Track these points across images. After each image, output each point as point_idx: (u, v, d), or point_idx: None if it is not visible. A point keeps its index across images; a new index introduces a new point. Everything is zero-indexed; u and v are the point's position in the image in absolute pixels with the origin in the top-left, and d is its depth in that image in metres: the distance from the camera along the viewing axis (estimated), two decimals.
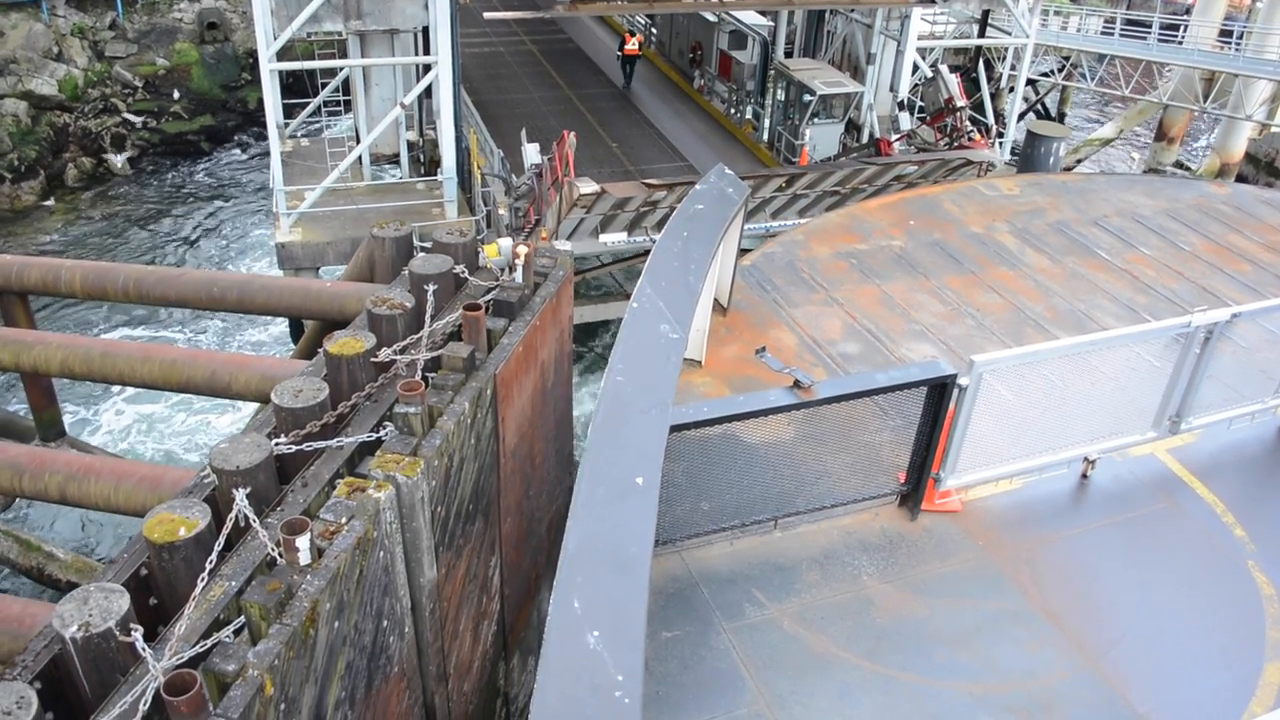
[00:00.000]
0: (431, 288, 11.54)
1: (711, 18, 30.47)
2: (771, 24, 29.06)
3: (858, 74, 25.90)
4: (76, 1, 34.22)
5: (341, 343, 10.65)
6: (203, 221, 31.65)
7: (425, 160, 23.66)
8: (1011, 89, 28.08)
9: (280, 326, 24.82)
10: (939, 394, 9.14)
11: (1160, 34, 31.36)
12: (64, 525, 19.25)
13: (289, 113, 23.45)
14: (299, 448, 9.56)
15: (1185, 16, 35.78)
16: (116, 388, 22.78)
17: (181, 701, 6.76)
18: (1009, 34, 27.83)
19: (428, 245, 12.96)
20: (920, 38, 25.04)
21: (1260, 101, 30.17)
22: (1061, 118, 38.87)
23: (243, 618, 7.94)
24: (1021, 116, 34.15)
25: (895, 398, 9.22)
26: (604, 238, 19.36)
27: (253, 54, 33.92)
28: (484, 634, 12.57)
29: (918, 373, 9.23)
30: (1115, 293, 14.57)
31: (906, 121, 23.82)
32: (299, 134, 25.13)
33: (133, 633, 7.25)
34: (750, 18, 29.70)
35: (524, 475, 12.98)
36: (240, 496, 8.39)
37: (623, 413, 7.87)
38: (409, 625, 10.15)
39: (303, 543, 8.08)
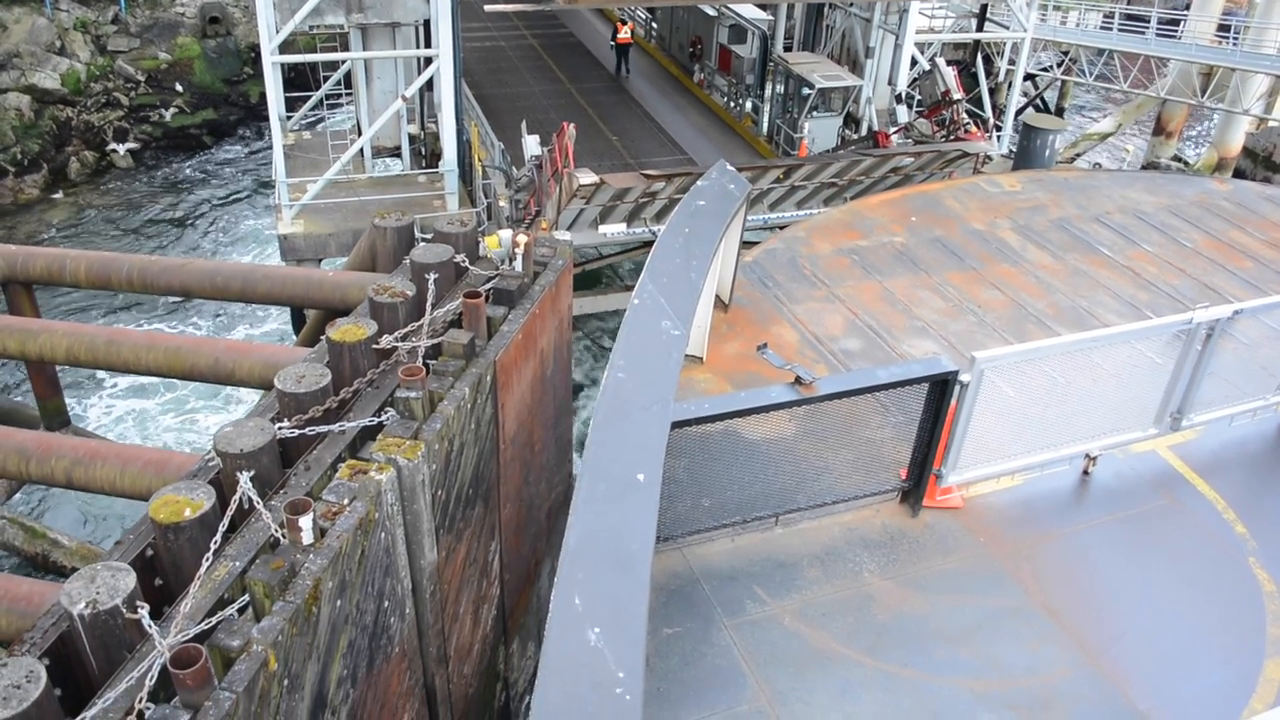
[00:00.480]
0: (432, 276, 11.68)
1: (711, 12, 30.63)
2: (771, 18, 29.19)
3: (856, 68, 26.03)
4: None
5: (344, 329, 10.82)
6: (205, 214, 31.82)
7: (427, 153, 23.80)
8: (1010, 83, 28.16)
9: (277, 325, 25.02)
10: (940, 390, 9.16)
11: (1159, 29, 31.47)
12: (68, 513, 19.43)
13: (291, 106, 23.60)
14: (302, 432, 9.72)
15: (1184, 12, 35.87)
16: (113, 384, 22.95)
17: (188, 675, 6.92)
18: (1007, 28, 27.93)
19: (429, 236, 13.12)
20: (918, 32, 25.16)
21: (1258, 96, 30.28)
22: (1060, 112, 38.98)
23: (247, 596, 8.10)
24: (1020, 111, 34.26)
25: (897, 394, 9.23)
26: (603, 228, 19.50)
27: (255, 48, 34.09)
28: (484, 618, 12.74)
29: (919, 369, 9.24)
30: (1117, 289, 14.58)
31: (904, 114, 23.97)
32: (301, 127, 25.27)
33: (139, 610, 7.40)
34: (750, 12, 29.87)
35: (523, 462, 13.14)
36: (244, 479, 8.56)
37: (624, 409, 7.89)
38: (410, 606, 10.31)
39: (305, 522, 8.24)
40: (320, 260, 20.39)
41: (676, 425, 8.06)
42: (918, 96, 25.09)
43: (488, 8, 21.44)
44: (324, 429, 9.88)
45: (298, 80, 28.26)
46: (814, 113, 24.50)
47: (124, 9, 35.31)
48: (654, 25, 36.68)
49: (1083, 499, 10.36)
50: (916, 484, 9.86)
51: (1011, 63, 27.46)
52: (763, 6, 29.88)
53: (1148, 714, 8.15)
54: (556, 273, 13.11)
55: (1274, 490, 10.63)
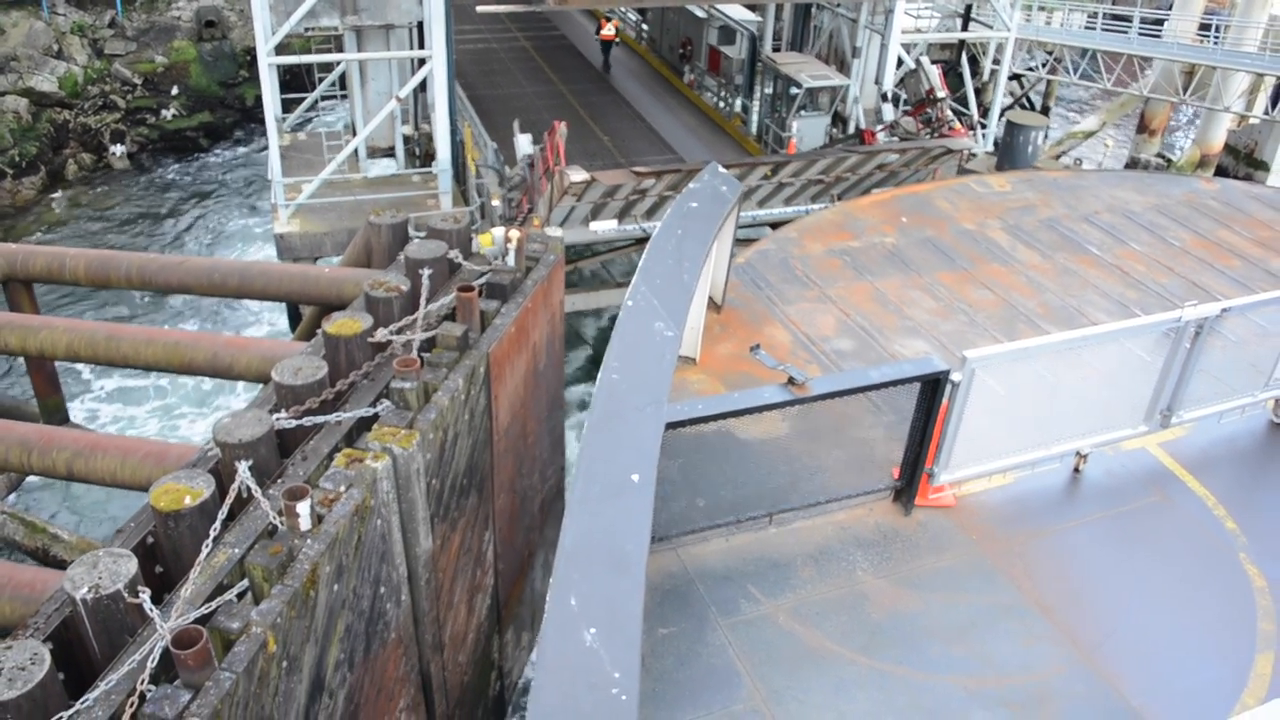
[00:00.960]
0: (426, 272, 11.94)
1: (701, 14, 30.95)
2: (759, 19, 29.51)
3: (844, 67, 26.37)
4: (76, 0, 34.59)
5: (340, 323, 11.09)
6: (202, 215, 32.05)
7: (421, 153, 24.04)
8: (995, 82, 28.50)
9: (272, 329, 25.24)
10: (932, 390, 9.22)
11: (1141, 28, 31.82)
12: (69, 509, 19.66)
13: (286, 107, 23.81)
14: (299, 423, 10.01)
15: (1168, 11, 36.24)
16: (99, 388, 23.09)
17: (188, 655, 7.18)
18: (991, 28, 28.28)
19: (423, 234, 13.39)
20: (904, 32, 25.47)
21: (1239, 93, 30.63)
22: (1046, 111, 39.30)
23: (246, 581, 8.38)
24: (1006, 110, 34.61)
25: (889, 394, 9.38)
26: (594, 226, 19.77)
27: (250, 51, 34.31)
28: (478, 607, 13.01)
29: (911, 369, 9.29)
30: (1106, 288, 14.66)
31: (890, 113, 24.31)
32: (296, 128, 25.53)
33: (140, 594, 7.65)
34: (739, 13, 30.20)
35: (517, 453, 13.41)
36: (243, 468, 8.81)
37: (618, 410, 7.93)
38: (405, 593, 10.58)
39: (303, 508, 8.52)
40: (316, 259, 20.64)
41: (670, 426, 8.11)
42: (903, 95, 25.43)
43: (480, 9, 21.72)
44: (321, 419, 10.16)
45: (293, 82, 28.50)
46: (802, 112, 24.85)
47: (121, 13, 35.53)
48: (644, 27, 36.99)
49: (1074, 496, 10.44)
50: (909, 483, 9.94)
51: (996, 62, 27.79)
52: (751, 7, 30.19)
53: (1140, 710, 8.19)
54: (548, 268, 13.39)
55: (1264, 486, 10.75)
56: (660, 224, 10.84)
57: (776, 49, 29.07)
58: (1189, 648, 8.81)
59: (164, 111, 35.66)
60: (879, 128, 23.87)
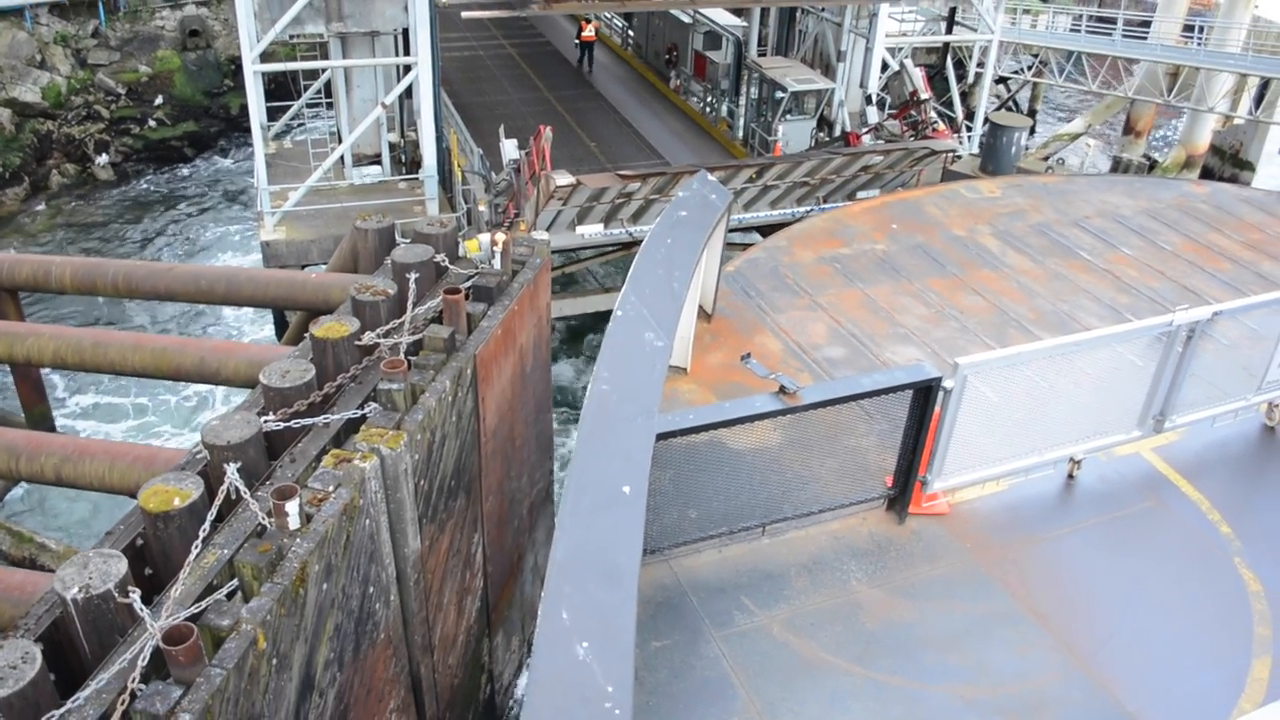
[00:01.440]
0: (413, 275, 11.95)
1: (686, 19, 31.07)
2: (745, 24, 29.62)
3: (829, 71, 26.50)
4: (59, 10, 34.52)
5: (327, 327, 11.08)
6: (187, 224, 32.00)
7: (407, 160, 24.06)
8: (977, 85, 28.68)
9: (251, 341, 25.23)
10: (924, 397, 9.16)
11: (1125, 30, 32.04)
12: (56, 518, 19.60)
13: (272, 115, 23.82)
14: (287, 424, 9.99)
15: (1152, 14, 36.49)
16: (75, 404, 22.99)
17: (179, 651, 7.18)
18: (975, 31, 28.46)
19: (409, 239, 13.41)
20: (889, 36, 25.62)
21: (1223, 94, 30.84)
22: (1033, 113, 39.53)
23: (235, 581, 8.36)
24: (994, 112, 34.83)
25: (881, 401, 9.19)
26: (581, 229, 19.82)
27: (235, 60, 34.28)
28: (468, 609, 13.00)
29: (903, 376, 9.24)
30: (1097, 293, 14.63)
31: (874, 115, 24.44)
32: (282, 135, 25.52)
33: (130, 594, 7.65)
34: (724, 18, 30.32)
35: (505, 455, 13.41)
36: (231, 470, 8.81)
37: (609, 421, 7.88)
38: (394, 594, 10.58)
39: (292, 507, 8.52)
40: (303, 266, 20.63)
41: (661, 437, 8.05)
42: (888, 98, 25.57)
43: (465, 15, 21.75)
44: (309, 421, 10.15)
45: (278, 90, 28.51)
46: (788, 116, 24.95)
47: (104, 22, 35.47)
48: (631, 34, 37.09)
49: (1068, 503, 10.40)
50: (902, 491, 9.88)
51: (980, 65, 27.94)
52: (736, 12, 30.32)
53: (1137, 716, 8.17)
54: (535, 271, 13.41)
55: (1258, 490, 10.74)
56: (649, 233, 10.78)
57: (762, 53, 29.14)
58: (1185, 653, 8.77)
59: (148, 121, 35.61)
60: (864, 130, 23.99)
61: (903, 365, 11.18)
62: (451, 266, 12.91)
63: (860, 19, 25.33)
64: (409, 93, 22.02)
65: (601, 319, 25.40)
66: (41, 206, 32.11)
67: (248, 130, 23.95)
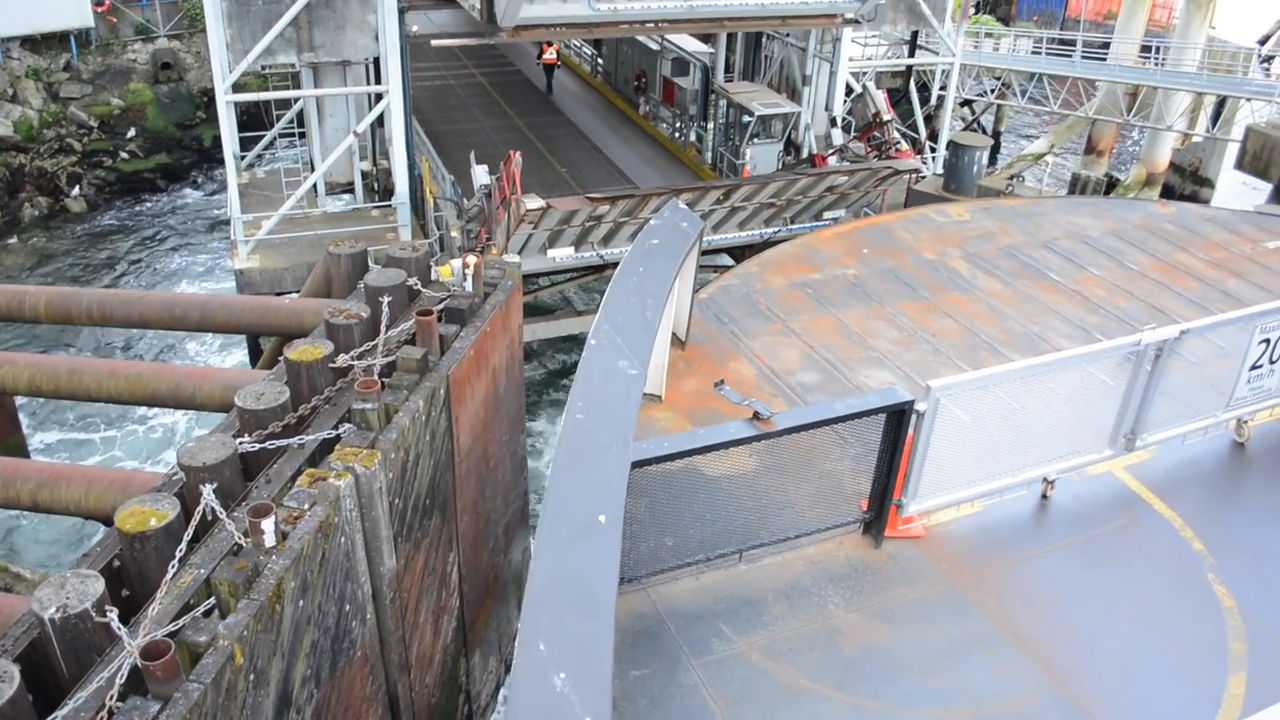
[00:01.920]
0: (386, 299, 12.10)
1: (654, 46, 31.54)
2: (711, 50, 30.08)
3: (795, 95, 26.94)
4: (31, 44, 34.63)
5: (301, 350, 11.23)
6: (161, 255, 32.08)
7: (379, 188, 24.27)
8: (940, 107, 29.24)
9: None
10: (897, 420, 9.16)
11: (1085, 51, 32.76)
12: (31, 549, 19.58)
13: (245, 145, 23.99)
14: (262, 446, 10.11)
15: (1111, 35, 37.29)
16: (39, 443, 22.96)
17: (157, 666, 7.28)
18: (937, 54, 29.03)
19: (382, 263, 13.59)
20: (853, 60, 26.09)
21: (1180, 112, 31.56)
22: (997, 135, 40.22)
23: (213, 599, 8.48)
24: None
25: (854, 426, 9.21)
26: (552, 253, 20.05)
27: (207, 92, 34.50)
28: (444, 629, 13.10)
29: (875, 400, 9.22)
30: (1067, 313, 14.70)
31: (839, 137, 24.88)
32: (255, 165, 25.68)
33: (108, 613, 7.74)
34: (691, 45, 30.81)
35: (479, 475, 13.56)
36: (207, 491, 8.91)
37: (583, 450, 7.87)
38: (370, 612, 10.69)
39: (268, 525, 8.65)
40: (277, 294, 20.76)
41: (637, 465, 8.03)
42: (852, 120, 26.05)
43: (435, 43, 22.06)
44: (284, 442, 10.28)
45: (251, 121, 28.70)
46: (755, 139, 25.35)
47: (76, 56, 35.61)
48: (600, 61, 37.54)
49: (1043, 523, 10.44)
50: (878, 514, 9.88)
51: (943, 87, 28.51)
52: (703, 39, 30.80)
53: None
54: (506, 293, 13.61)
55: (1229, 506, 10.85)
56: (622, 262, 10.84)
57: (729, 79, 29.58)
58: (1161, 670, 8.84)
59: (120, 154, 35.70)
60: (829, 152, 24.41)
61: (875, 389, 11.14)
62: (424, 290, 13.10)
63: (824, 44, 25.80)
64: (381, 121, 22.26)
65: (575, 342, 25.70)
66: (14, 240, 32.12)
67: (221, 161, 24.11)
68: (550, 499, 7.44)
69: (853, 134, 25.20)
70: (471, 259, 12.95)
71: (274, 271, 20.77)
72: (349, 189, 24.11)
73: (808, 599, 9.33)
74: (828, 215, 21.74)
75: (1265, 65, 38.31)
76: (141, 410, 23.63)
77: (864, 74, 27.35)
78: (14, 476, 11.25)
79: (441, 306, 12.67)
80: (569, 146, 30.33)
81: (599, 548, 7.00)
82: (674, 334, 12.98)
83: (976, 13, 51.72)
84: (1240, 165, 25.79)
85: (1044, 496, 10.67)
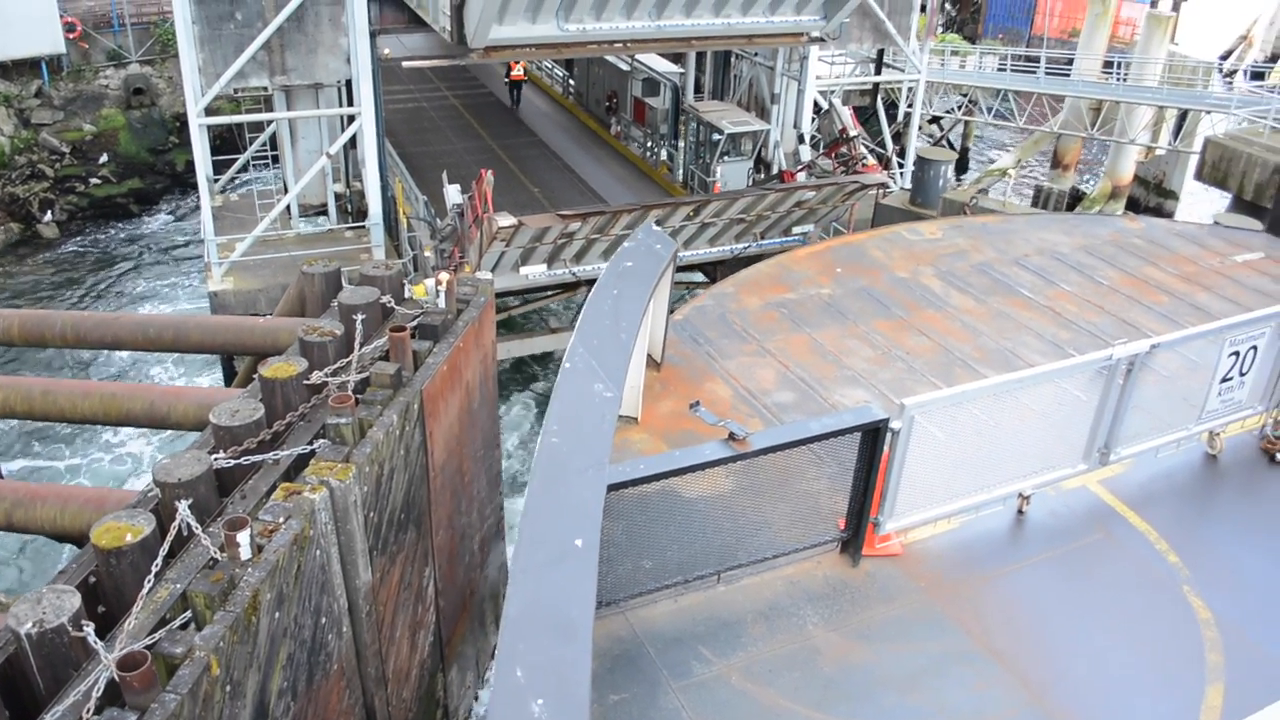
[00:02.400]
0: (360, 317, 12.20)
1: (625, 67, 31.88)
2: (681, 70, 30.45)
3: (764, 114, 27.29)
4: (1, 70, 34.63)
5: (275, 367, 11.32)
6: (134, 278, 32.09)
7: (353, 210, 24.39)
8: (907, 123, 29.72)
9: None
10: (873, 438, 9.17)
11: (1049, 68, 33.35)
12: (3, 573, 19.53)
13: (218, 169, 24.05)
14: (237, 462, 10.18)
15: (1074, 52, 38.00)
16: (11, 468, 22.88)
17: (134, 676, 7.35)
18: (903, 71, 29.52)
19: (356, 281, 13.70)
20: (820, 78, 26.48)
21: (1143, 126, 32.15)
22: (965, 151, 40.80)
23: (189, 612, 8.56)
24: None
25: (830, 445, 9.21)
26: (525, 270, 20.26)
27: (180, 117, 34.52)
28: (421, 643, 13.17)
29: (850, 419, 9.24)
30: (1039, 329, 14.79)
31: (807, 153, 25.25)
32: (228, 189, 25.79)
33: (84, 628, 7.81)
34: (661, 65, 31.16)
35: (454, 490, 13.66)
36: (183, 507, 8.98)
37: (559, 474, 7.86)
38: (346, 625, 10.76)
39: (243, 538, 8.74)
40: (251, 315, 20.84)
41: (613, 488, 8.01)
42: (819, 137, 26.44)
43: (406, 64, 22.29)
44: (258, 458, 10.36)
45: (224, 145, 28.79)
46: (725, 157, 25.68)
47: (48, 82, 35.60)
48: (571, 82, 37.88)
49: (1019, 538, 10.49)
50: (855, 533, 9.89)
51: (910, 104, 28.99)
52: (674, 59, 31.17)
53: None
54: (479, 309, 13.76)
55: (1203, 519, 10.95)
56: (596, 284, 10.89)
57: (699, 98, 29.95)
58: (1139, 683, 8.89)
59: (93, 179, 35.71)
60: (798, 168, 24.76)
61: (851, 407, 11.16)
62: (397, 308, 13.22)
63: (792, 63, 26.18)
64: (354, 143, 22.43)
65: (549, 359, 25.86)
66: None
67: (194, 186, 24.18)
68: (526, 523, 7.41)
69: (820, 150, 25.57)
70: (444, 276, 13.10)
71: (248, 293, 20.85)
72: (322, 211, 24.23)
73: (786, 619, 9.33)
74: (797, 230, 22.04)
75: (1228, 80, 39.15)
76: (108, 437, 23.68)
77: (832, 91, 27.75)
78: None
79: (415, 323, 12.80)
80: (541, 167, 30.59)
81: (575, 572, 6.99)
82: (649, 356, 12.98)
83: (943, 31, 52.54)
84: (1200, 176, 26.31)
85: (1020, 512, 10.73)
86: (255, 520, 9.21)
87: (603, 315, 10.17)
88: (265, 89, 21.92)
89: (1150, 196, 35.12)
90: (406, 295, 13.70)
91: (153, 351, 16.41)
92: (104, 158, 35.87)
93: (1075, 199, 34.99)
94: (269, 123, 24.38)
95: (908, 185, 27.30)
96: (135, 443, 23.52)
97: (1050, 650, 9.17)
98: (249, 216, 22.77)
